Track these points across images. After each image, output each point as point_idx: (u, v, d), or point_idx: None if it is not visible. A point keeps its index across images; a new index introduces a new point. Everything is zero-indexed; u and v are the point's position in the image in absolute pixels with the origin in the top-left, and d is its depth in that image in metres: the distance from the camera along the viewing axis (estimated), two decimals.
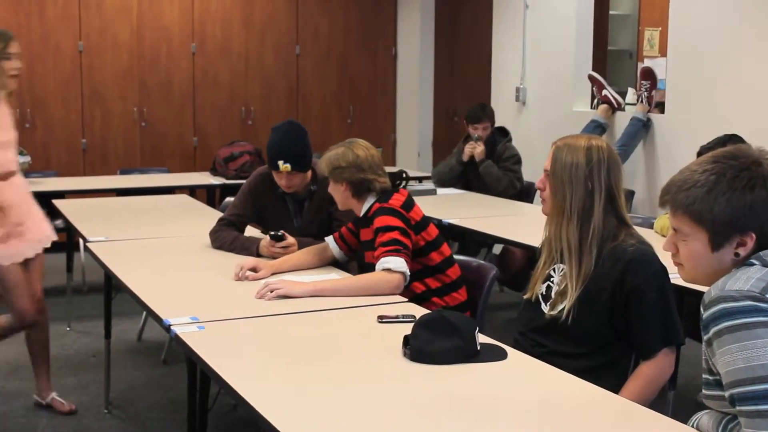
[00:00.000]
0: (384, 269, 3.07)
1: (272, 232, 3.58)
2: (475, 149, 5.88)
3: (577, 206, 2.59)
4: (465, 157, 5.95)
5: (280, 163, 3.66)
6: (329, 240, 3.49)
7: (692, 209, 1.83)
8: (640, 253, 2.54)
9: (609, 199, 2.60)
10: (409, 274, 3.10)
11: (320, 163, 3.36)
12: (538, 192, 2.80)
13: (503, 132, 6.10)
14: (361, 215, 3.34)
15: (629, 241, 2.57)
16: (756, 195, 1.78)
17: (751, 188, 1.78)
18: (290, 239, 3.58)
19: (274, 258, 3.47)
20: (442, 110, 8.69)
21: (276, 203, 3.88)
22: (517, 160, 5.93)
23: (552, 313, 2.63)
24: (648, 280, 2.51)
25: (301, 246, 3.55)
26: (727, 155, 1.85)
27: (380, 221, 3.19)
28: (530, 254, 4.31)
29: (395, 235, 3.14)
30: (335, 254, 3.47)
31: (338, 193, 3.35)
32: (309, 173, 3.81)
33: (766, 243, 1.81)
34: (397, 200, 3.26)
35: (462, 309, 3.25)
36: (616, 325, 2.56)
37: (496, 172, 5.80)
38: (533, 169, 5.93)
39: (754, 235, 1.80)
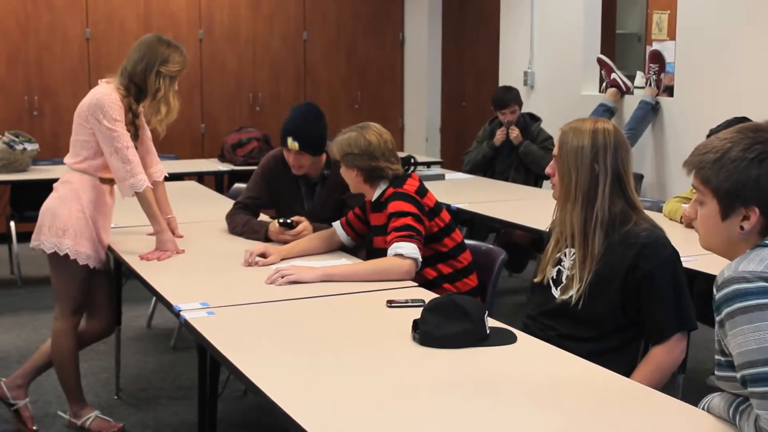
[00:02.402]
0: (396, 254, 3.05)
1: (281, 220, 3.57)
2: (512, 133, 5.88)
3: (582, 190, 2.57)
4: (497, 142, 5.94)
5: (289, 139, 3.64)
6: (336, 225, 3.48)
7: (702, 174, 1.84)
8: (652, 238, 2.53)
9: (616, 183, 2.57)
10: (420, 260, 3.09)
11: (332, 146, 3.33)
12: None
13: (533, 117, 6.09)
14: (373, 200, 3.33)
15: (641, 226, 2.55)
16: (764, 169, 1.77)
17: (760, 162, 1.77)
18: (303, 224, 3.58)
19: (284, 243, 3.47)
20: (450, 95, 8.67)
21: (289, 185, 3.86)
22: (554, 142, 5.93)
23: (563, 297, 2.62)
24: (661, 266, 2.50)
25: (314, 231, 3.55)
26: (751, 128, 1.84)
27: (394, 206, 3.17)
28: (534, 236, 4.32)
29: (408, 220, 3.12)
30: (342, 239, 3.47)
31: (350, 177, 3.33)
32: (323, 157, 3.79)
33: None
34: (411, 186, 3.24)
35: (473, 295, 3.23)
36: (628, 310, 2.55)
37: (537, 151, 5.80)
38: None
39: (757, 210, 1.78)
